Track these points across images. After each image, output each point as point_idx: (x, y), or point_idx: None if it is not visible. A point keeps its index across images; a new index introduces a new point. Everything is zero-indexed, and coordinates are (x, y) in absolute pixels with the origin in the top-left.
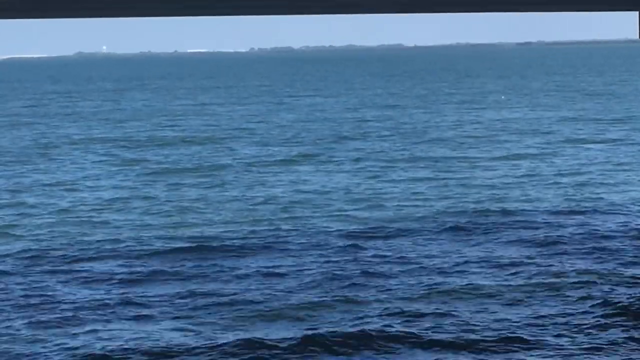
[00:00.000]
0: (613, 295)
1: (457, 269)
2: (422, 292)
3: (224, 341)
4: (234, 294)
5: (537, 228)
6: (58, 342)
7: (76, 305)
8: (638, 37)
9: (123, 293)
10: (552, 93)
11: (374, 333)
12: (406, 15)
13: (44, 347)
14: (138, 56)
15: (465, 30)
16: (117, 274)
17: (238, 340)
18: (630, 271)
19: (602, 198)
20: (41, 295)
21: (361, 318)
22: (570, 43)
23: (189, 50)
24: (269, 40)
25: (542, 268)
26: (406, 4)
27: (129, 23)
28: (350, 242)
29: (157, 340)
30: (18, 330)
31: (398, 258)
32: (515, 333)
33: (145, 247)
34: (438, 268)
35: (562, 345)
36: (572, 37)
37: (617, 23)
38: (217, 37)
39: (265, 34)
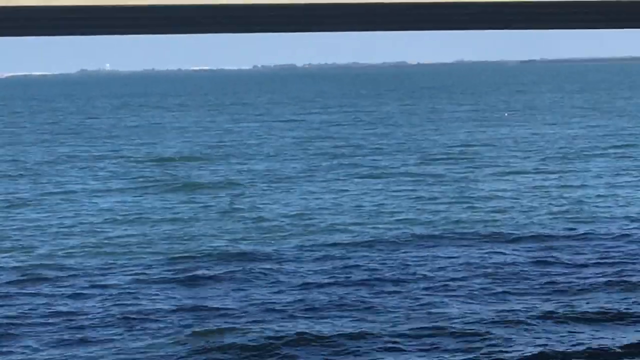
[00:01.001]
0: (613, 305)
1: (455, 279)
2: (425, 300)
3: (230, 350)
4: (239, 303)
5: (536, 242)
6: (60, 353)
7: (78, 317)
8: None
9: (125, 305)
10: (556, 110)
11: (379, 341)
12: (409, 33)
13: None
14: (141, 74)
15: (469, 47)
16: (119, 286)
17: (243, 348)
18: (623, 282)
19: (603, 213)
20: (45, 307)
21: (368, 321)
22: (574, 61)
23: (192, 68)
24: (272, 58)
25: (538, 278)
26: (409, 21)
27: (132, 40)
28: (355, 254)
29: (163, 353)
30: (19, 342)
31: (400, 268)
32: (514, 340)
33: (149, 260)
34: (439, 278)
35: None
36: (576, 54)
37: (622, 40)
38: (220, 54)
39: (269, 51)
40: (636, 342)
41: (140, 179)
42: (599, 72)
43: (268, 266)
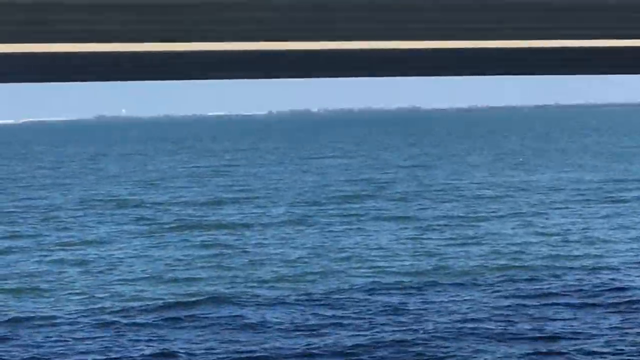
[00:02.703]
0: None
1: (454, 322)
2: (422, 343)
3: None
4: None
5: (541, 281)
6: None
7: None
8: None
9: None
10: (571, 154)
11: None
12: (423, 78)
13: None
14: (158, 119)
15: (483, 93)
16: (110, 328)
17: None
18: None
19: (606, 258)
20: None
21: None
22: (588, 106)
23: (208, 114)
24: (287, 103)
25: (536, 322)
26: (423, 67)
27: (148, 86)
28: (356, 299)
29: None
30: None
31: (403, 312)
32: None
33: (159, 303)
34: (438, 322)
35: None
36: (590, 99)
37: (635, 85)
38: (235, 99)
39: (283, 96)
40: None
41: (156, 223)
42: (615, 116)
43: (265, 312)
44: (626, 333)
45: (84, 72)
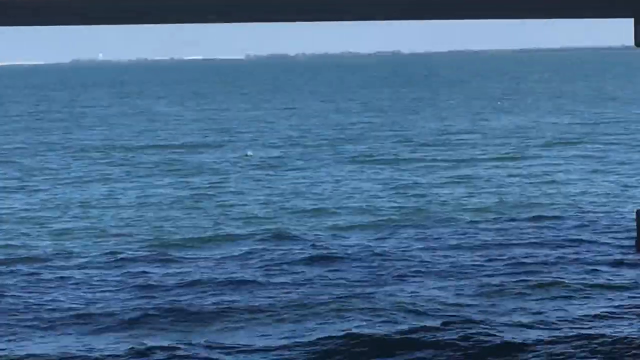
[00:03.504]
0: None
1: (429, 260)
2: (401, 279)
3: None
4: (223, 291)
5: (508, 223)
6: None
7: (39, 299)
8: (634, 43)
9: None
10: (549, 98)
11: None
12: (402, 22)
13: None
14: (134, 63)
15: (463, 37)
16: (81, 275)
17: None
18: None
19: (572, 199)
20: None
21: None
22: (566, 50)
23: (185, 58)
24: (265, 47)
25: (505, 257)
26: (402, 10)
27: (124, 30)
28: (334, 238)
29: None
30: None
31: (379, 248)
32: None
33: (139, 244)
34: (415, 259)
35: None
36: (568, 43)
37: (612, 30)
38: (213, 44)
39: (261, 40)
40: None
41: (134, 166)
42: (592, 61)
43: (242, 250)
44: (598, 269)
45: (60, 15)
